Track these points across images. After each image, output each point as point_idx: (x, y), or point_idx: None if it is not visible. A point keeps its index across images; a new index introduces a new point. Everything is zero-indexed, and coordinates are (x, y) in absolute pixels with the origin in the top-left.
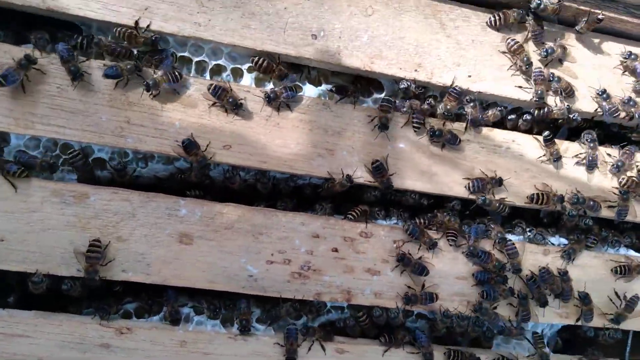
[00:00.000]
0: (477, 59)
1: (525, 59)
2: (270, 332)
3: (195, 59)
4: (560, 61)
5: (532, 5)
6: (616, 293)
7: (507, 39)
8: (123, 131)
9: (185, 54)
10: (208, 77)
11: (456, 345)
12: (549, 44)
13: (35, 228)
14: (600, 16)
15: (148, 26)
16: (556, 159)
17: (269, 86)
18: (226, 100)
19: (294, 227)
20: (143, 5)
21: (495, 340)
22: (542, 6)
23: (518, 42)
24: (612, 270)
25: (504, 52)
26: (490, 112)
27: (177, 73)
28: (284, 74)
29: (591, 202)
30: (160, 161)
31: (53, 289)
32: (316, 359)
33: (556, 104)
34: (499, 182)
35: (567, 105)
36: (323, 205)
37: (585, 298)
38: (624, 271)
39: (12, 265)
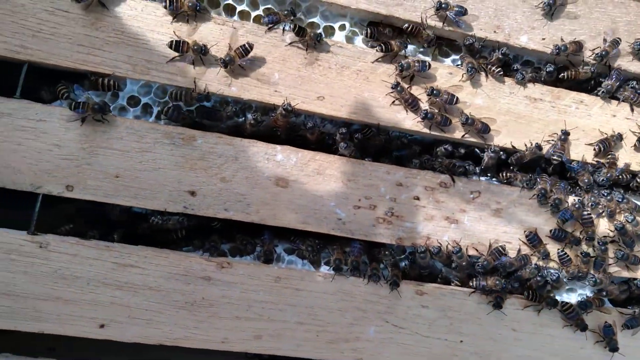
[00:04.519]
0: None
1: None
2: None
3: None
4: None
5: None
6: None
7: None
8: (228, 80)
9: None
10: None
11: None
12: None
13: (147, 167)
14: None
15: None
16: None
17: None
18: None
19: (379, 176)
20: None
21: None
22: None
23: None
24: None
25: None
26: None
27: (247, 46)
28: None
29: None
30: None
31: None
32: (396, 299)
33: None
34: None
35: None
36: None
37: None
38: None
39: (125, 200)
